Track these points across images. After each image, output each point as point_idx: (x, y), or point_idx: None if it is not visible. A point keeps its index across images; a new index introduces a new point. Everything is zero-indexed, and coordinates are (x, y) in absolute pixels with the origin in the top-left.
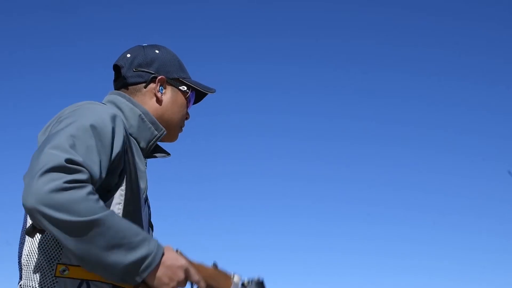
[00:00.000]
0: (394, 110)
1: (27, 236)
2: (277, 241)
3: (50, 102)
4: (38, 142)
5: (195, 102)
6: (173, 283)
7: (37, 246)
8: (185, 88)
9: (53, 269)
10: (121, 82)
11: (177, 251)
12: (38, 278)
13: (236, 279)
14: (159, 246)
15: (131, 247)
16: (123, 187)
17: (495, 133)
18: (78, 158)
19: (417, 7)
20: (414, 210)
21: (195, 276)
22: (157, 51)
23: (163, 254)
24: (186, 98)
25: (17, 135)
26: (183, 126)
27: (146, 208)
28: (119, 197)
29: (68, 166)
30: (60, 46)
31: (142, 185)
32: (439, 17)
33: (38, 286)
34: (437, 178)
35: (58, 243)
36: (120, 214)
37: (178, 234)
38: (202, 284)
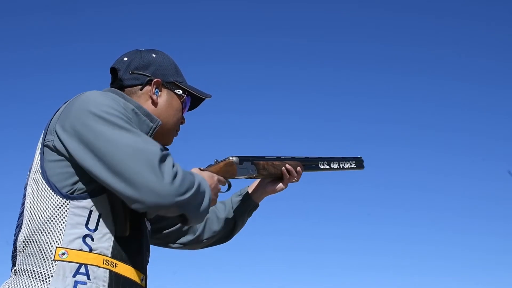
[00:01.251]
0: (394, 110)
1: (24, 221)
2: (277, 241)
3: (50, 102)
4: (56, 132)
5: (191, 108)
6: (218, 189)
7: (35, 230)
8: (181, 92)
9: (52, 253)
10: (118, 85)
11: (200, 169)
12: (37, 262)
13: (235, 159)
14: (197, 175)
15: (201, 188)
16: None
17: (495, 133)
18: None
19: (417, 7)
20: (414, 210)
21: (222, 179)
22: (154, 55)
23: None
24: (181, 102)
25: (17, 135)
26: (178, 130)
27: None
28: None
29: (165, 153)
30: (60, 46)
31: None
32: (439, 17)
33: (36, 269)
34: (437, 178)
35: (57, 226)
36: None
37: None
38: (223, 181)
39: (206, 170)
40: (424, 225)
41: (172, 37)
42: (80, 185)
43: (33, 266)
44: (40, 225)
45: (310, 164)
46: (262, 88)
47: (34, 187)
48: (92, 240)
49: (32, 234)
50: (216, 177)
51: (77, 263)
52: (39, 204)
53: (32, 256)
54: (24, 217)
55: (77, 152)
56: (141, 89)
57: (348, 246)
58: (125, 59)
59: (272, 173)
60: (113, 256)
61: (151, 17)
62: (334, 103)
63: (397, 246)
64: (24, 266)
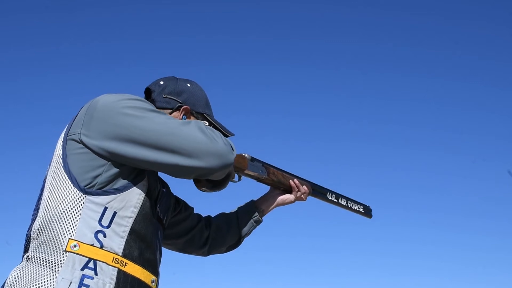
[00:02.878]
0: (394, 110)
1: (40, 211)
2: (277, 241)
3: (50, 103)
4: (75, 132)
5: None
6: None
7: (51, 220)
8: (207, 124)
9: (64, 244)
10: None
11: None
12: (48, 250)
13: (247, 156)
14: None
15: None
16: (146, 179)
17: (495, 133)
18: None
19: (417, 7)
20: (414, 210)
21: (232, 171)
22: (189, 85)
23: None
24: None
25: (17, 136)
26: None
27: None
28: (142, 185)
29: (200, 121)
30: (60, 46)
31: (154, 194)
32: (439, 17)
33: (47, 258)
34: (437, 178)
35: (72, 218)
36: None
37: None
38: (233, 174)
39: None
40: (424, 225)
41: (172, 37)
42: (101, 179)
43: (44, 254)
44: (56, 215)
45: (319, 190)
46: (262, 88)
47: (54, 178)
48: (104, 236)
49: (47, 223)
50: None
51: (86, 257)
52: (57, 195)
53: (45, 244)
54: (41, 206)
55: (122, 150)
56: (170, 113)
57: (348, 246)
58: (161, 82)
59: (281, 181)
60: (124, 255)
61: (151, 17)
62: (334, 103)
63: (397, 246)
64: (36, 253)
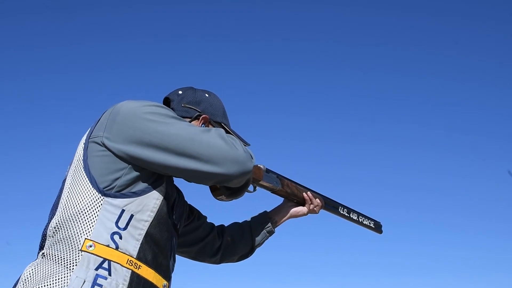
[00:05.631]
0: (394, 110)
1: (59, 210)
2: (276, 241)
3: (50, 103)
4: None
5: None
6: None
7: (68, 219)
8: None
9: (80, 243)
10: None
11: None
12: (64, 248)
13: (262, 167)
14: None
15: None
16: (164, 184)
17: (495, 133)
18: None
19: (417, 7)
20: (414, 210)
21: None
22: (207, 95)
23: None
24: None
25: (17, 136)
26: None
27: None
28: (159, 192)
29: (219, 128)
30: (60, 47)
31: (171, 201)
32: (439, 17)
33: (63, 256)
34: (437, 178)
35: (89, 218)
36: (157, 208)
37: None
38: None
39: None
40: (424, 225)
41: (172, 37)
42: (120, 182)
43: (60, 252)
44: (74, 215)
45: (331, 204)
46: (263, 88)
47: (73, 178)
48: (120, 238)
49: (65, 221)
50: None
51: (101, 257)
52: (76, 195)
53: (61, 242)
54: (59, 205)
55: (142, 154)
56: (189, 122)
57: (348, 246)
58: (180, 92)
59: (295, 194)
60: (139, 258)
61: (152, 17)
62: (335, 103)
63: (397, 246)
64: (52, 251)
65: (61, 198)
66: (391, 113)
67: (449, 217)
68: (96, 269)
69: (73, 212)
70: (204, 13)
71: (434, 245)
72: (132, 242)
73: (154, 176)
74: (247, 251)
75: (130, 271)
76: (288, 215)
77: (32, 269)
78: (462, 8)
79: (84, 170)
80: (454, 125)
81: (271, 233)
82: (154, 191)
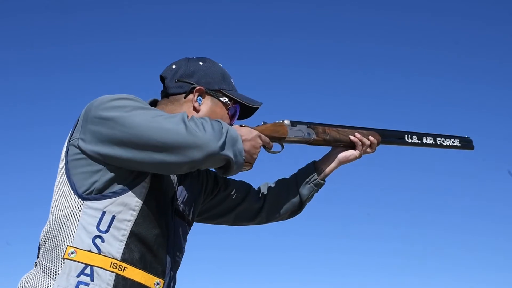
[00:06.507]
0: (394, 110)
1: (48, 217)
2: (277, 241)
3: (50, 103)
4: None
5: (245, 117)
6: (258, 150)
7: (54, 227)
8: (226, 100)
9: (63, 251)
10: (164, 93)
11: (241, 126)
12: (50, 257)
13: (286, 122)
14: (223, 122)
15: (231, 132)
16: (147, 180)
17: (495, 133)
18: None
19: (417, 7)
20: (414, 210)
21: (266, 139)
22: (201, 63)
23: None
24: (227, 109)
25: (17, 136)
26: None
27: (180, 221)
28: (140, 189)
29: (183, 113)
30: (59, 47)
31: (169, 192)
32: (439, 17)
33: (49, 265)
34: (437, 178)
35: (71, 225)
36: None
37: None
38: (271, 144)
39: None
40: (424, 225)
41: (173, 37)
42: (99, 184)
43: (47, 261)
44: (58, 222)
45: (392, 135)
46: (263, 88)
47: (58, 184)
48: (102, 241)
49: (52, 230)
50: (255, 132)
51: (83, 263)
52: (60, 202)
53: (48, 251)
54: (49, 213)
55: (111, 152)
56: (185, 97)
57: (348, 246)
58: (173, 67)
59: (337, 139)
60: (123, 259)
61: (152, 17)
62: (334, 103)
63: (397, 246)
64: (42, 260)
65: (50, 205)
66: (391, 113)
67: (449, 217)
68: (78, 276)
69: (58, 219)
70: (204, 13)
71: (434, 245)
72: (115, 244)
73: (134, 173)
74: (296, 207)
75: (114, 274)
76: (336, 161)
77: (24, 279)
78: (462, 8)
79: (66, 175)
80: (454, 125)
81: (319, 185)
82: (136, 188)
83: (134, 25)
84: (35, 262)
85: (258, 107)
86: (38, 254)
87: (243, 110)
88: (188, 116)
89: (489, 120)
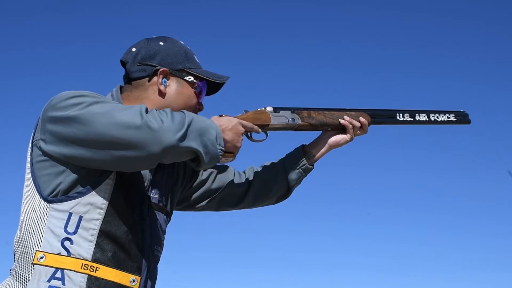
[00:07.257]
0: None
1: (20, 221)
2: (277, 241)
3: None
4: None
5: (212, 93)
6: (241, 137)
7: (24, 232)
8: (192, 79)
9: (32, 256)
10: (127, 78)
11: (221, 115)
12: (21, 264)
13: (269, 108)
14: (188, 112)
15: (199, 122)
16: (112, 177)
17: (495, 133)
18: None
19: (417, 7)
20: (414, 210)
21: (248, 124)
22: (161, 43)
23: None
24: (193, 88)
25: (17, 136)
26: None
27: (156, 213)
28: (106, 184)
29: (141, 106)
30: (59, 47)
31: (141, 185)
32: (439, 17)
33: (20, 272)
34: (437, 178)
35: (39, 229)
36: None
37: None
38: (255, 128)
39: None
40: (424, 225)
41: (172, 37)
42: (63, 185)
43: (19, 268)
44: (27, 227)
45: (383, 115)
46: (264, 88)
47: (26, 188)
48: (71, 243)
49: (22, 235)
50: (235, 120)
51: (53, 267)
52: (27, 207)
53: (20, 258)
54: (20, 217)
55: (71, 152)
56: (149, 81)
57: (348, 246)
58: (133, 49)
59: (325, 122)
60: (95, 259)
61: (152, 17)
62: (334, 103)
63: (397, 246)
64: (15, 267)
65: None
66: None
67: (449, 217)
68: (49, 280)
69: (27, 225)
70: (204, 13)
71: (433, 245)
72: (85, 245)
73: (98, 171)
74: (283, 192)
75: (86, 275)
76: (327, 146)
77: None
78: (462, 8)
79: (32, 178)
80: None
81: (307, 170)
82: (100, 186)
83: (134, 25)
84: (10, 270)
85: (225, 82)
86: (14, 260)
87: (210, 87)
88: (148, 108)
89: (489, 120)
